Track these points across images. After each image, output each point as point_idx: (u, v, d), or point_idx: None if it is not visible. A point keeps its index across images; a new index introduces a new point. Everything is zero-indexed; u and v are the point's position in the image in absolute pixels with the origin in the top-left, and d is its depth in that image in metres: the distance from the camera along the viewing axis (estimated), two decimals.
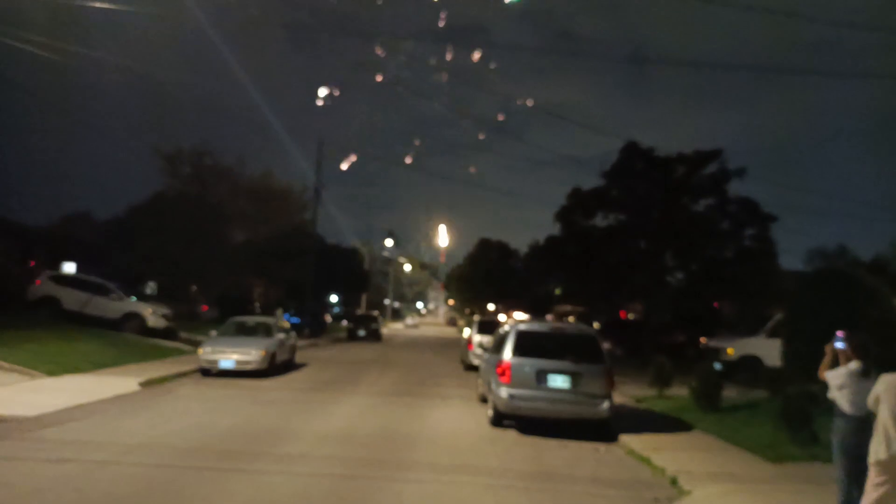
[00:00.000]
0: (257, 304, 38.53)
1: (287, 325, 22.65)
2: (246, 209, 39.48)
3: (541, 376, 11.02)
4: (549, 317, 45.12)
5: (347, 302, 65.63)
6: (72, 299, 22.63)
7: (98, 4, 16.69)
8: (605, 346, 13.37)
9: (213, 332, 18.48)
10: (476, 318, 31.72)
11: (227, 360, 16.26)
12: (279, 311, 37.02)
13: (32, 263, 29.36)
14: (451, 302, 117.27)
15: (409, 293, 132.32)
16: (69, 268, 29.24)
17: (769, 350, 16.97)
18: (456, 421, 12.18)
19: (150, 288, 37.34)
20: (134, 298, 24.08)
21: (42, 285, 23.03)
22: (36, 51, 17.68)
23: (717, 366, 18.48)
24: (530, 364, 11.10)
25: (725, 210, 30.19)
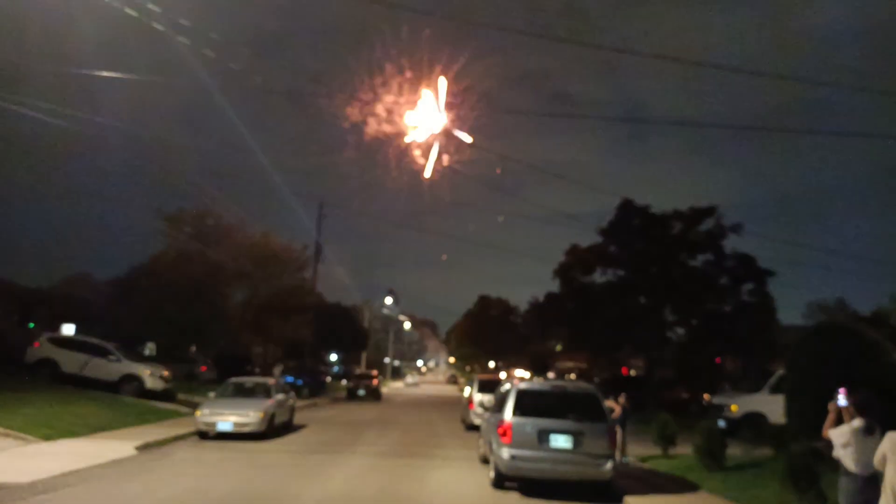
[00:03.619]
0: (257, 369, 38.17)
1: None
2: (246, 268, 39.53)
3: (542, 436, 10.88)
4: (549, 374, 44.74)
5: (347, 360, 65.09)
6: (70, 361, 22.45)
7: (104, 73, 17.16)
8: (609, 403, 13.25)
9: (212, 394, 18.29)
10: (477, 376, 31.45)
11: (225, 423, 16.05)
12: (277, 369, 36.72)
13: (32, 326, 29.27)
14: (451, 360, 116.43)
15: (408, 351, 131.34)
16: (68, 329, 29.20)
17: (773, 406, 16.81)
18: (457, 483, 11.97)
19: (149, 349, 37.12)
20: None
21: (40, 347, 22.89)
22: (38, 115, 18.05)
23: (721, 423, 18.27)
24: (532, 424, 10.97)
25: (723, 265, 30.39)
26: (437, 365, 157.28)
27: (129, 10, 13.75)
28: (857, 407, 6.31)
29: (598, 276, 32.85)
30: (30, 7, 18.23)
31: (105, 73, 17.60)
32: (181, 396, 24.42)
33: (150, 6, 13.76)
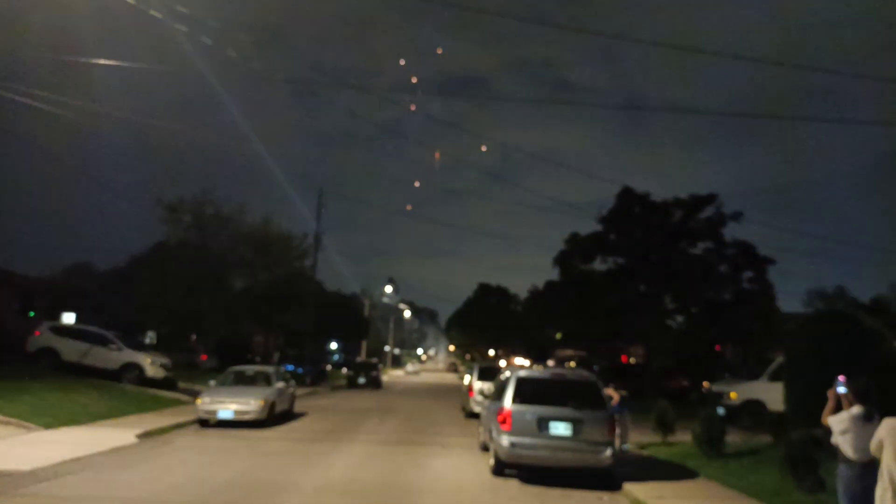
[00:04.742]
0: (257, 357, 38.24)
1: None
2: (246, 257, 39.51)
3: (542, 424, 10.91)
4: (549, 362, 44.84)
5: (347, 349, 65.22)
6: (71, 350, 22.50)
7: (103, 61, 17.07)
8: (608, 391, 13.27)
9: (212, 382, 18.34)
10: (477, 364, 31.52)
11: (226, 411, 16.10)
12: (276, 355, 36.84)
13: (32, 315, 29.29)
14: (451, 348, 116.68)
15: (408, 339, 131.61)
16: (69, 318, 29.21)
17: (772, 394, 16.84)
18: (457, 470, 12.01)
19: (150, 337, 37.19)
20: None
21: (41, 336, 22.92)
22: (39, 104, 18.00)
23: (720, 410, 18.31)
24: (531, 411, 11.00)
25: (723, 253, 30.35)
26: (437, 353, 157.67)
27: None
28: (856, 394, 6.31)
29: (598, 264, 32.85)
30: None
31: (105, 62, 17.55)
32: (182, 385, 24.49)
33: None
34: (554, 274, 34.74)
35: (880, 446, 5.68)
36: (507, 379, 12.04)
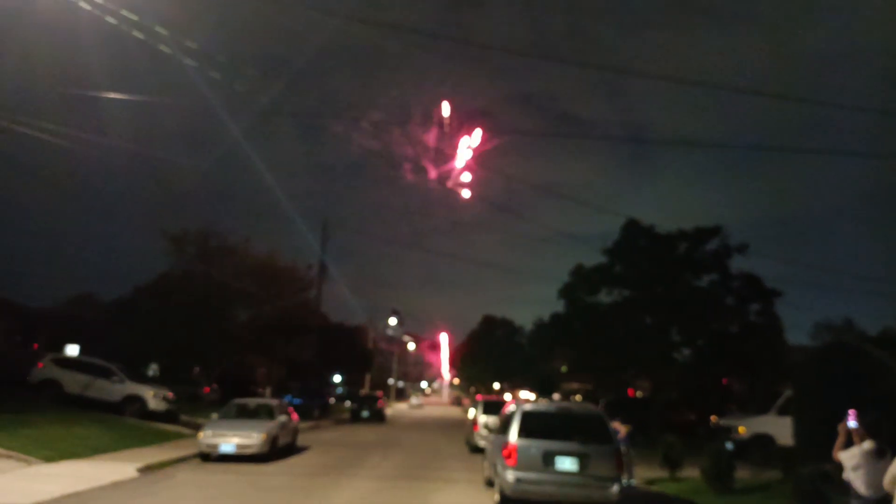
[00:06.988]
0: (259, 389, 37.99)
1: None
2: (250, 288, 39.46)
3: (548, 458, 10.76)
4: (555, 395, 44.44)
5: (351, 381, 64.79)
6: (73, 382, 22.43)
7: (111, 95, 17.30)
8: (615, 424, 13.12)
9: (214, 415, 18.19)
10: (478, 397, 31.22)
11: (228, 445, 15.92)
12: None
13: (35, 346, 29.28)
14: (455, 381, 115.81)
15: (413, 372, 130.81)
16: (71, 350, 29.20)
17: (781, 428, 16.64)
18: None
19: (152, 370, 37.06)
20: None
21: (44, 368, 22.88)
22: (44, 136, 18.15)
23: (729, 445, 18.06)
24: (537, 446, 10.85)
25: (729, 286, 30.22)
26: (441, 386, 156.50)
27: (136, 34, 13.90)
28: (868, 429, 6.23)
29: (604, 297, 32.71)
30: (37, 31, 18.45)
31: (111, 95, 17.77)
32: (184, 417, 24.30)
33: (158, 29, 13.91)
34: (559, 306, 34.62)
35: (893, 481, 5.58)
36: (513, 413, 11.92)
